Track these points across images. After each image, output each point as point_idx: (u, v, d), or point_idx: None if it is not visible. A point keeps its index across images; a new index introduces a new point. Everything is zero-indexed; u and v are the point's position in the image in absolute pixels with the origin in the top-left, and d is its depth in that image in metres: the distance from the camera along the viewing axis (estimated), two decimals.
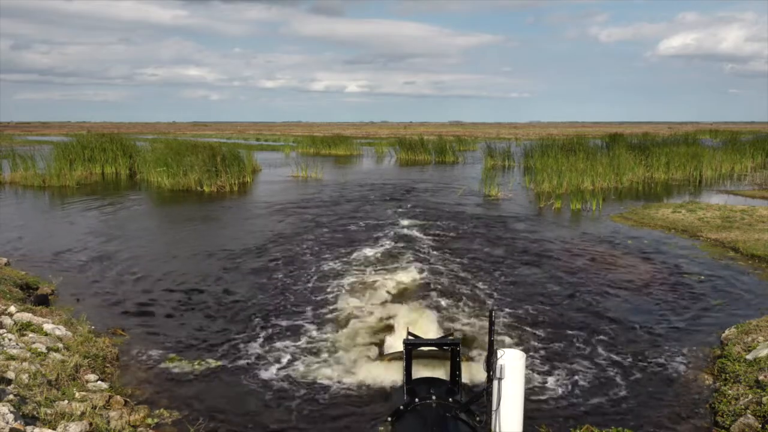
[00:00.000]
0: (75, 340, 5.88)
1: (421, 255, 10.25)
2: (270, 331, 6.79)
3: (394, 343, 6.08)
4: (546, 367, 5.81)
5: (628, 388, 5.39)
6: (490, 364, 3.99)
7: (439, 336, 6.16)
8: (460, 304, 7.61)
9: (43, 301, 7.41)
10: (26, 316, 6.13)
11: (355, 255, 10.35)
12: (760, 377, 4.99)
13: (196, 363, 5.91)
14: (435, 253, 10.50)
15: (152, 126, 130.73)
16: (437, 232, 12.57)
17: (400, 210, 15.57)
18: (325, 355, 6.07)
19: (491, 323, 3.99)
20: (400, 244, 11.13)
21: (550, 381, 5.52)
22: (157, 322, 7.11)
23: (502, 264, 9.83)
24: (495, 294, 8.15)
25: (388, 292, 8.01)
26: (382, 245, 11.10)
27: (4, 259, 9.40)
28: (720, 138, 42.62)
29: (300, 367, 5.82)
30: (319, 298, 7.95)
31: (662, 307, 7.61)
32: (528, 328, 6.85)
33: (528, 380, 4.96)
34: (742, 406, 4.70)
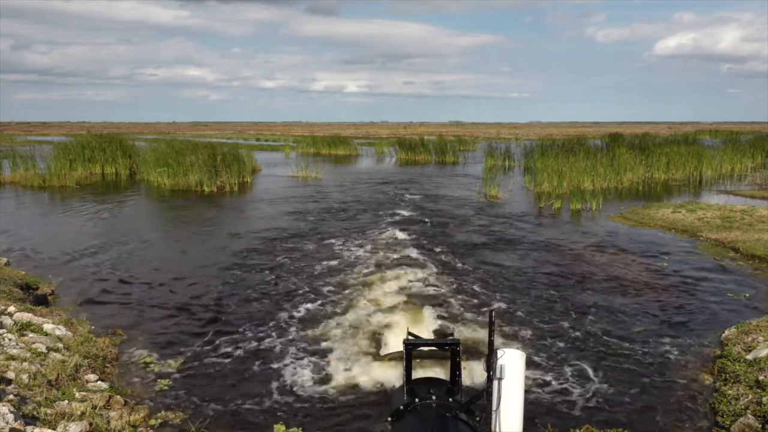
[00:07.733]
0: (75, 340, 5.89)
1: (421, 256, 10.25)
2: (271, 330, 6.79)
3: (394, 343, 6.08)
4: (544, 367, 5.81)
5: (627, 388, 5.39)
6: (490, 364, 3.99)
7: (439, 336, 6.16)
8: (459, 303, 7.61)
9: (42, 301, 7.40)
10: (26, 316, 6.13)
11: (353, 259, 10.35)
12: (760, 377, 4.99)
13: (196, 363, 5.91)
14: (435, 251, 10.50)
15: (152, 126, 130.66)
16: (437, 231, 12.57)
17: (400, 211, 15.56)
18: (326, 355, 6.07)
19: (491, 323, 3.99)
20: (401, 245, 11.14)
21: (549, 380, 5.51)
22: (157, 322, 7.10)
23: (501, 261, 9.83)
24: (492, 293, 8.15)
25: (387, 296, 8.01)
26: (381, 246, 11.10)
27: (4, 259, 9.40)
28: (720, 138, 42.59)
29: (301, 367, 5.82)
30: (318, 299, 7.95)
31: (661, 307, 7.60)
32: (523, 326, 6.84)
33: (526, 380, 4.95)
34: (742, 406, 4.70)
